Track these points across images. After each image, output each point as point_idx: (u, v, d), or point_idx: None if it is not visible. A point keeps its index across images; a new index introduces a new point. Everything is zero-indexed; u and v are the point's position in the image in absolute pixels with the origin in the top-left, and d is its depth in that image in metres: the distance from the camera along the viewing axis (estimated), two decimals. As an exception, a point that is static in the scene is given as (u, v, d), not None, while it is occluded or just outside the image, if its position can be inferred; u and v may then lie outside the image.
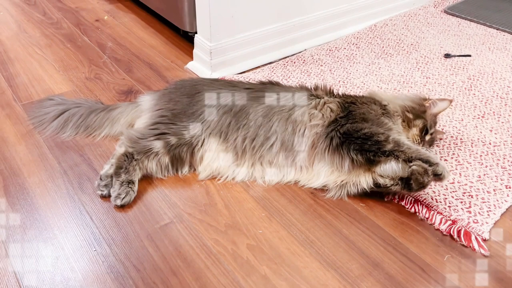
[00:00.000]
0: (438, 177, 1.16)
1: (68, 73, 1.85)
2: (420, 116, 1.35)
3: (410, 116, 1.35)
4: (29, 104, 1.64)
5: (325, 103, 1.33)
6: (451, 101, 1.41)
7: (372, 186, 1.24)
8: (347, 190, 1.27)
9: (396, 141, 1.21)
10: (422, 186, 1.16)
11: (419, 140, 1.34)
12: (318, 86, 1.42)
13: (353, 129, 1.23)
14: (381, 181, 1.22)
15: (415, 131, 1.34)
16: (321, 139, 1.27)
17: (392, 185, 1.22)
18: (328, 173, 1.28)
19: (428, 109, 1.37)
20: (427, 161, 1.16)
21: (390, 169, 1.20)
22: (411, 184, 1.17)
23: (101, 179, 1.27)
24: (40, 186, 1.31)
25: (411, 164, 1.16)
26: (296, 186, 1.32)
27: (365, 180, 1.24)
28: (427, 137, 1.36)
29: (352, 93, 1.73)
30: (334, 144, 1.25)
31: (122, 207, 1.23)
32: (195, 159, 1.34)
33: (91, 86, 1.77)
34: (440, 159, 1.40)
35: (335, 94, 1.41)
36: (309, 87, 1.43)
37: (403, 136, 1.29)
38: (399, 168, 1.19)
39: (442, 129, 1.55)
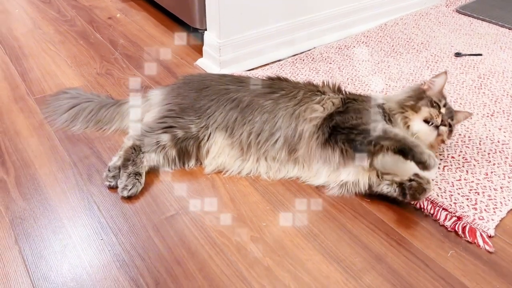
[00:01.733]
0: (423, 165, 1.12)
1: (80, 68, 1.89)
2: (421, 97, 1.31)
3: (412, 102, 1.30)
4: (42, 98, 1.68)
5: (328, 98, 1.34)
6: (445, 72, 1.35)
7: (367, 189, 1.24)
8: (347, 190, 1.27)
9: (384, 129, 1.18)
10: (416, 200, 1.18)
11: (438, 113, 1.27)
12: (325, 83, 1.42)
13: (341, 120, 1.23)
14: (375, 183, 1.23)
15: (426, 110, 1.28)
16: (315, 132, 1.27)
17: (388, 192, 1.22)
18: (328, 173, 1.28)
19: (427, 91, 1.33)
20: (411, 149, 1.13)
21: (387, 161, 1.20)
22: (406, 194, 1.17)
23: (109, 170, 1.30)
24: (50, 177, 1.34)
25: (412, 178, 1.15)
26: (299, 180, 1.32)
27: (362, 181, 1.24)
28: (444, 110, 1.29)
29: (360, 92, 1.73)
30: (324, 137, 1.24)
31: (129, 198, 1.25)
32: (201, 152, 1.35)
33: (102, 81, 1.80)
34: (447, 157, 1.40)
35: (342, 91, 1.41)
36: (316, 83, 1.44)
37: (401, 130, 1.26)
38: (395, 161, 1.19)
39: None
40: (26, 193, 1.28)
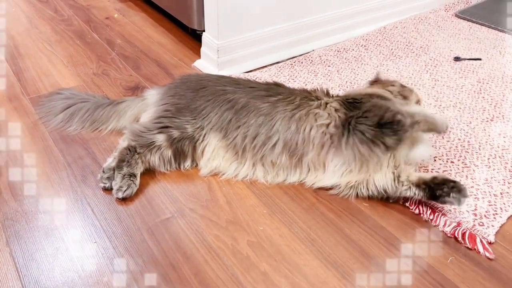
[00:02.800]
0: (444, 132, 1.30)
1: (76, 68, 1.87)
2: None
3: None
4: (37, 98, 1.65)
5: (326, 103, 1.32)
6: (377, 72, 1.59)
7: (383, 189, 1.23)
8: (357, 192, 1.25)
9: (408, 112, 1.25)
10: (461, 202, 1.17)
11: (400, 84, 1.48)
12: (315, 89, 1.41)
13: (378, 117, 1.23)
14: (403, 178, 1.22)
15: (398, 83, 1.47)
16: (337, 138, 1.25)
17: (409, 195, 1.21)
18: (346, 173, 1.26)
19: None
20: (435, 124, 1.27)
21: (419, 153, 1.30)
22: (439, 196, 1.17)
23: (103, 171, 1.28)
24: (44, 177, 1.31)
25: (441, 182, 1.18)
26: (299, 184, 1.31)
27: (382, 178, 1.23)
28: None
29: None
30: (367, 137, 1.22)
31: (123, 200, 1.23)
32: (197, 153, 1.33)
33: (98, 81, 1.78)
34: (447, 161, 1.39)
35: (331, 95, 1.39)
36: (309, 90, 1.42)
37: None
38: (427, 151, 1.31)
39: (450, 131, 1.53)
40: (19, 194, 1.25)
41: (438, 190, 1.16)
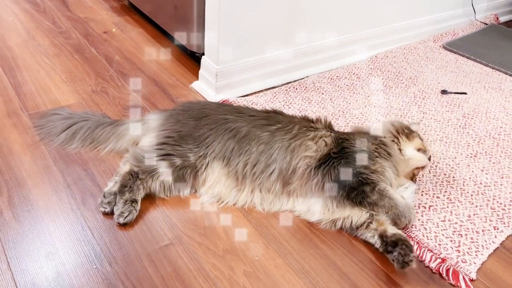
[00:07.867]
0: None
1: (75, 84, 1.89)
2: (412, 130, 1.49)
3: (406, 130, 1.47)
4: (36, 114, 1.67)
5: (321, 136, 1.38)
6: (418, 123, 1.63)
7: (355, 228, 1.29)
8: (339, 225, 1.32)
9: (381, 191, 1.26)
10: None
11: (426, 149, 1.46)
12: (319, 119, 1.47)
13: (345, 175, 1.28)
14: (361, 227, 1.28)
15: (418, 141, 1.46)
16: (313, 173, 1.32)
17: (371, 242, 1.26)
18: (323, 212, 1.33)
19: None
20: (399, 218, 1.26)
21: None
22: (390, 252, 1.19)
23: (104, 196, 1.31)
24: (44, 198, 1.33)
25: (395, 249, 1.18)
26: (293, 214, 1.36)
27: (355, 219, 1.29)
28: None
29: (351, 124, 1.78)
30: (327, 183, 1.29)
31: (124, 225, 1.26)
32: (197, 181, 1.37)
33: (97, 99, 1.81)
34: (433, 196, 1.46)
35: (333, 129, 1.45)
36: (311, 118, 1.48)
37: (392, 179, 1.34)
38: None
39: (436, 165, 1.61)
40: (19, 215, 1.27)
41: (389, 247, 1.20)
